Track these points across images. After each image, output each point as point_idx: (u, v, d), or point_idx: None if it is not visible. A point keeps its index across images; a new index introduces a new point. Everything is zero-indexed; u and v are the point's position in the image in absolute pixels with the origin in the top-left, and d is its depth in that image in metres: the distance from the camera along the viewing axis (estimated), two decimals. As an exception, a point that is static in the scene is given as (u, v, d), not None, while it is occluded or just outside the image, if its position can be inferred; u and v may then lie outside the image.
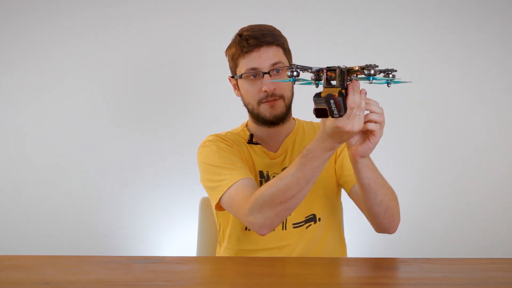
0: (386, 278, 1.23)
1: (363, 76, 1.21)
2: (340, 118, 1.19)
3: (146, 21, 2.55)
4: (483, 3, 2.60)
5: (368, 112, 1.26)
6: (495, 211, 2.59)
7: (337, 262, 1.45)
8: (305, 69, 1.23)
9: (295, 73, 1.23)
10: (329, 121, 1.23)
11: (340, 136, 1.24)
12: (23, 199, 2.52)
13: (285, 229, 1.56)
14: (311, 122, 1.70)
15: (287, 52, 1.58)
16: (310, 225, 1.58)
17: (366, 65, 1.19)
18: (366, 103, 1.24)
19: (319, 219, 1.59)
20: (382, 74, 1.22)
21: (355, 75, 1.20)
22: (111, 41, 2.54)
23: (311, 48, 2.44)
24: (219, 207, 1.50)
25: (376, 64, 1.19)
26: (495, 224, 2.58)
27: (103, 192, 2.53)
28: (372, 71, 1.18)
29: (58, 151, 2.53)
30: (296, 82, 1.26)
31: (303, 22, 2.54)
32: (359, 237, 2.41)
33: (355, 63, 1.24)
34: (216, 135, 1.62)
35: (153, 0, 2.56)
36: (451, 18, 2.60)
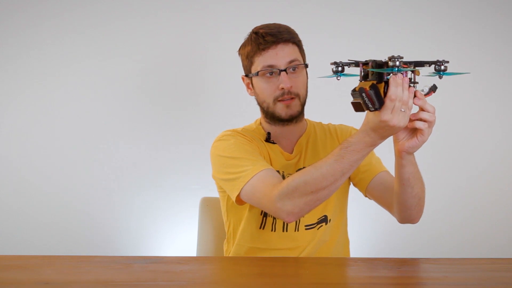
0: (386, 278, 1.23)
1: (433, 72, 1.23)
2: (385, 112, 1.20)
3: (151, 19, 2.54)
4: (492, 1, 2.60)
5: (418, 110, 1.26)
6: (495, 211, 2.58)
7: (337, 262, 1.45)
8: (347, 64, 1.24)
9: (339, 68, 1.24)
10: (373, 115, 1.23)
11: (383, 131, 1.24)
12: (23, 199, 2.52)
13: (298, 230, 1.56)
14: (320, 123, 1.70)
15: (302, 51, 1.58)
16: (321, 226, 1.58)
17: (391, 56, 1.20)
18: (418, 99, 1.24)
19: (330, 220, 1.59)
20: (432, 66, 1.23)
21: (397, 67, 1.20)
22: (113, 40, 2.54)
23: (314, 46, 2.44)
24: (238, 200, 1.48)
25: (401, 56, 1.20)
26: (495, 224, 2.58)
27: (103, 192, 2.53)
28: (397, 63, 1.19)
29: (58, 151, 2.53)
30: (340, 77, 1.26)
31: (307, 21, 2.54)
32: (359, 237, 2.41)
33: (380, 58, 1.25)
34: (233, 130, 1.60)
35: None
36: (459, 16, 2.59)
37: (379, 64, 1.22)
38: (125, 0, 2.54)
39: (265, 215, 1.56)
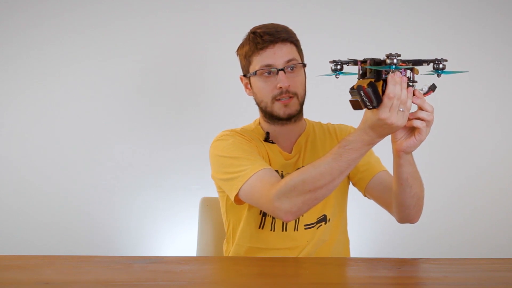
0: (386, 278, 1.23)
1: (431, 70, 1.22)
2: (383, 110, 1.20)
3: (151, 19, 2.54)
4: (492, 1, 2.60)
5: (417, 109, 1.26)
6: (495, 211, 2.58)
7: (337, 262, 1.45)
8: (346, 62, 1.25)
9: (338, 67, 1.25)
10: (371, 113, 1.23)
11: (382, 129, 1.24)
12: (23, 199, 2.52)
13: (297, 230, 1.56)
14: (319, 123, 1.69)
15: (300, 50, 1.58)
16: (321, 225, 1.58)
17: (389, 54, 1.20)
18: (416, 98, 1.24)
19: (329, 220, 1.59)
20: (431, 64, 1.23)
21: (395, 65, 1.20)
22: (113, 40, 2.54)
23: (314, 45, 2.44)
24: (237, 199, 1.48)
25: (399, 53, 1.20)
26: (495, 224, 2.58)
27: (103, 192, 2.53)
28: (395, 60, 1.19)
29: (58, 151, 2.53)
30: (338, 75, 1.27)
31: (307, 21, 2.54)
32: (359, 237, 2.41)
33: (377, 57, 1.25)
34: (232, 130, 1.60)
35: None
36: (459, 16, 2.59)
37: (377, 62, 1.22)
38: (125, 0, 2.54)
39: (264, 214, 1.56)
